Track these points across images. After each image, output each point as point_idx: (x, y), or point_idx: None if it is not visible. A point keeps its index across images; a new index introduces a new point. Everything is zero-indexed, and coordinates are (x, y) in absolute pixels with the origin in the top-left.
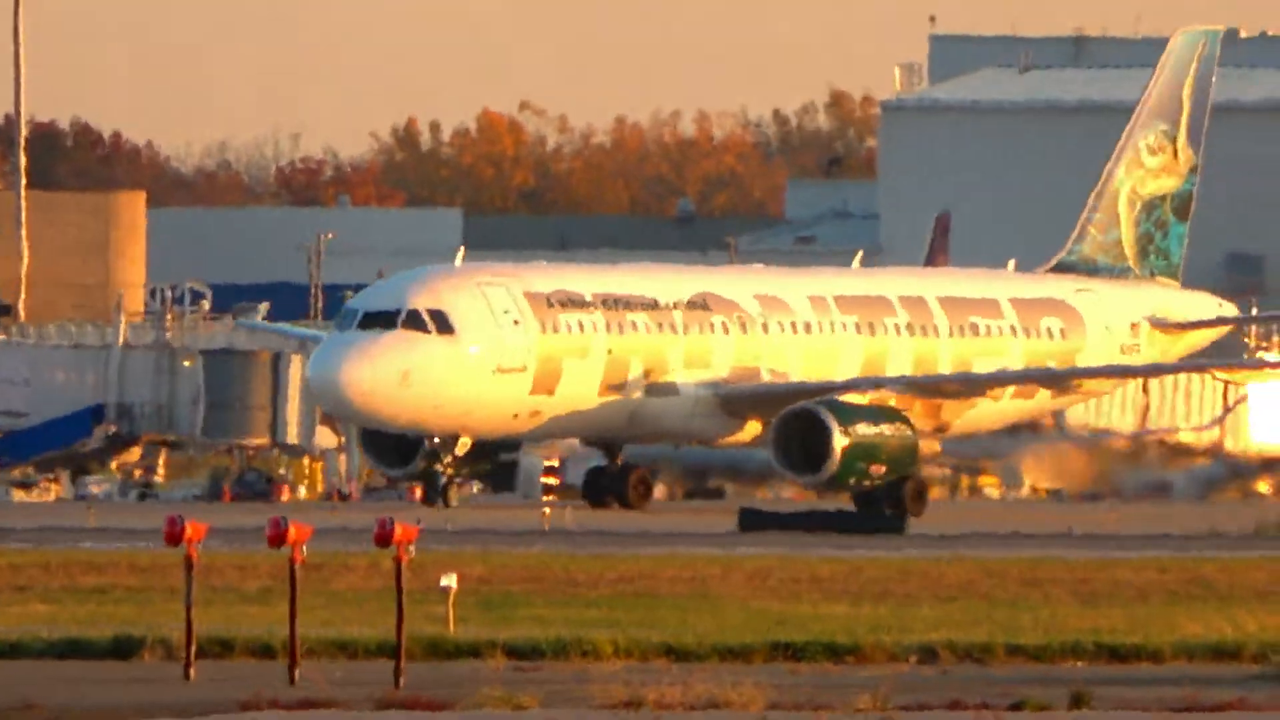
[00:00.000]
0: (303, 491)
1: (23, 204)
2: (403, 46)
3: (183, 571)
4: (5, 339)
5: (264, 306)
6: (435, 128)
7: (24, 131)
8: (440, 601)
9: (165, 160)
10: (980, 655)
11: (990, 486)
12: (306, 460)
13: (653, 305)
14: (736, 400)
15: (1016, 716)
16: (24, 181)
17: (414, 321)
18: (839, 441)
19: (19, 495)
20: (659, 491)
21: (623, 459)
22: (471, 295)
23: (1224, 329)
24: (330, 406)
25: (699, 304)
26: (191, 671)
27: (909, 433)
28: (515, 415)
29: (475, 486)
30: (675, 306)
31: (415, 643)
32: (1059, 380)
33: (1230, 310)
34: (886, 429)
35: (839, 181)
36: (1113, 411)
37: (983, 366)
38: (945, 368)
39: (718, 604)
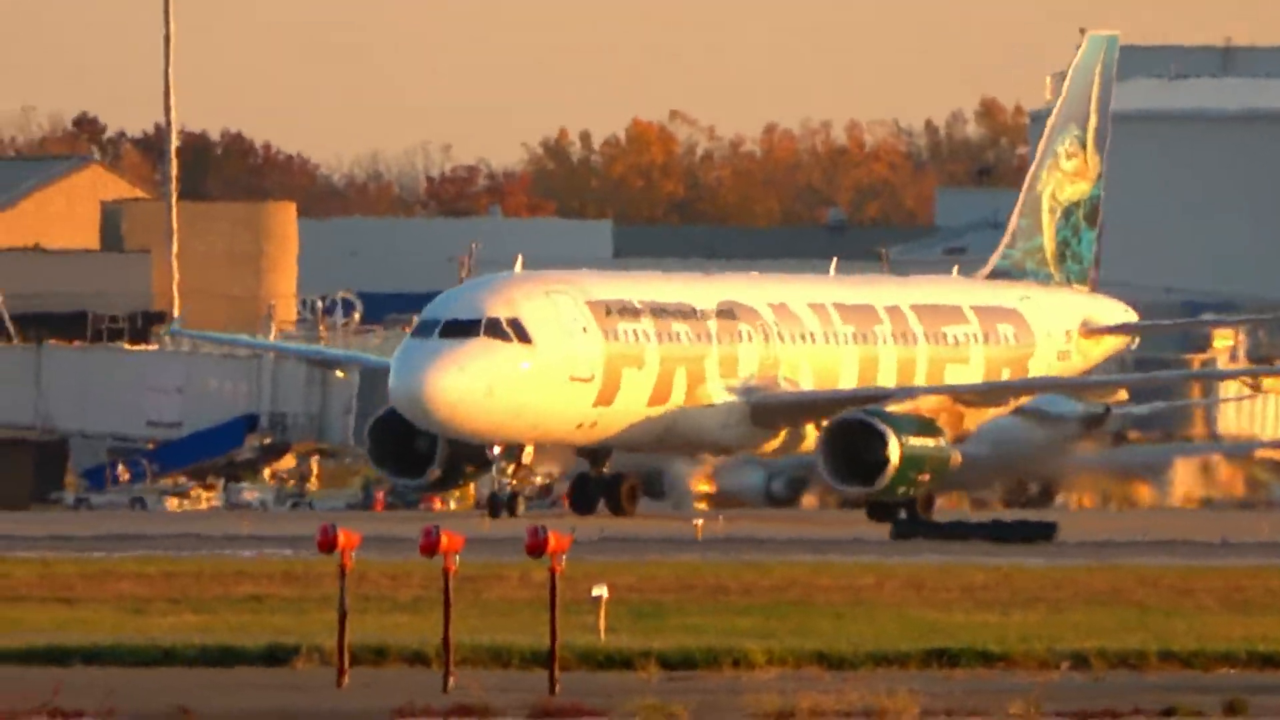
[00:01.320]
0: (453, 503)
1: (174, 214)
2: (553, 56)
3: (336, 580)
4: (159, 349)
5: (414, 317)
6: (585, 138)
7: (175, 142)
8: (592, 611)
9: (316, 170)
10: (1133, 662)
11: (1141, 496)
12: None
13: (691, 314)
14: (767, 410)
15: None
16: (175, 192)
17: (495, 330)
18: (895, 452)
19: (172, 504)
20: (809, 500)
21: (610, 467)
22: (544, 304)
23: (1133, 335)
24: (414, 416)
25: (727, 312)
26: (344, 679)
27: (945, 443)
28: (578, 425)
29: None
30: (709, 315)
31: (567, 652)
32: (1085, 388)
33: (1133, 316)
34: (931, 440)
35: (990, 190)
36: (1267, 417)
37: (954, 373)
38: (922, 375)
39: (871, 612)
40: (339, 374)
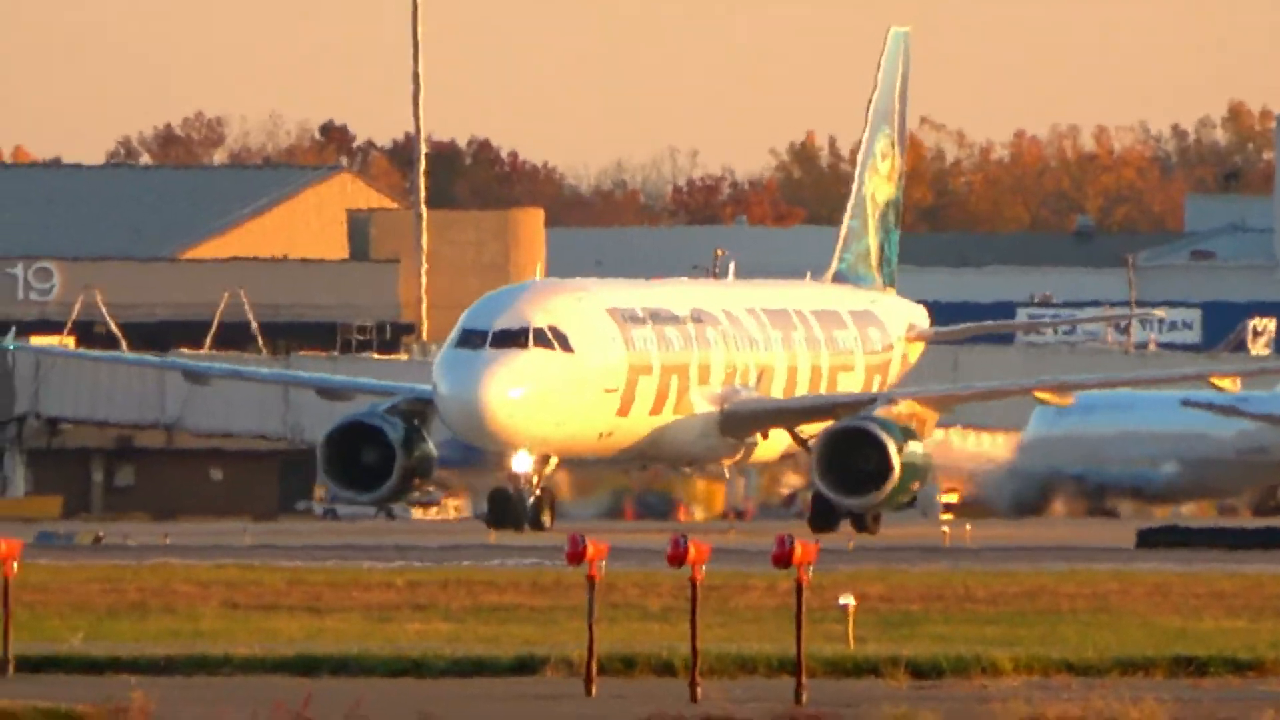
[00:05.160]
0: (699, 512)
1: (423, 223)
2: (800, 61)
3: (584, 590)
4: (408, 359)
5: None
6: (833, 143)
7: (423, 150)
8: (838, 620)
9: (562, 179)
10: None
11: None
12: (704, 480)
13: (675, 320)
14: (738, 419)
15: None
16: (424, 200)
17: (542, 340)
18: (896, 461)
19: (420, 514)
20: (1056, 508)
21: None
22: (580, 312)
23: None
24: (466, 427)
25: (698, 319)
26: (593, 688)
27: (927, 449)
28: (599, 436)
29: None
30: (686, 321)
31: (815, 661)
32: (1068, 389)
33: (926, 321)
34: (919, 447)
35: (1237, 195)
36: None
37: (844, 378)
38: (825, 380)
39: (1118, 619)
40: None
